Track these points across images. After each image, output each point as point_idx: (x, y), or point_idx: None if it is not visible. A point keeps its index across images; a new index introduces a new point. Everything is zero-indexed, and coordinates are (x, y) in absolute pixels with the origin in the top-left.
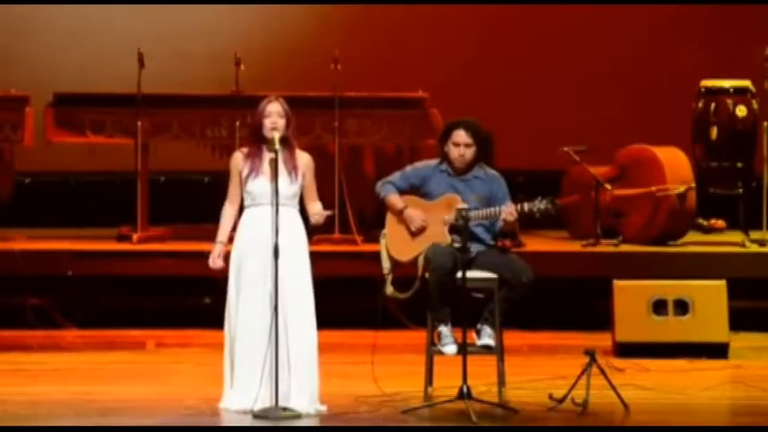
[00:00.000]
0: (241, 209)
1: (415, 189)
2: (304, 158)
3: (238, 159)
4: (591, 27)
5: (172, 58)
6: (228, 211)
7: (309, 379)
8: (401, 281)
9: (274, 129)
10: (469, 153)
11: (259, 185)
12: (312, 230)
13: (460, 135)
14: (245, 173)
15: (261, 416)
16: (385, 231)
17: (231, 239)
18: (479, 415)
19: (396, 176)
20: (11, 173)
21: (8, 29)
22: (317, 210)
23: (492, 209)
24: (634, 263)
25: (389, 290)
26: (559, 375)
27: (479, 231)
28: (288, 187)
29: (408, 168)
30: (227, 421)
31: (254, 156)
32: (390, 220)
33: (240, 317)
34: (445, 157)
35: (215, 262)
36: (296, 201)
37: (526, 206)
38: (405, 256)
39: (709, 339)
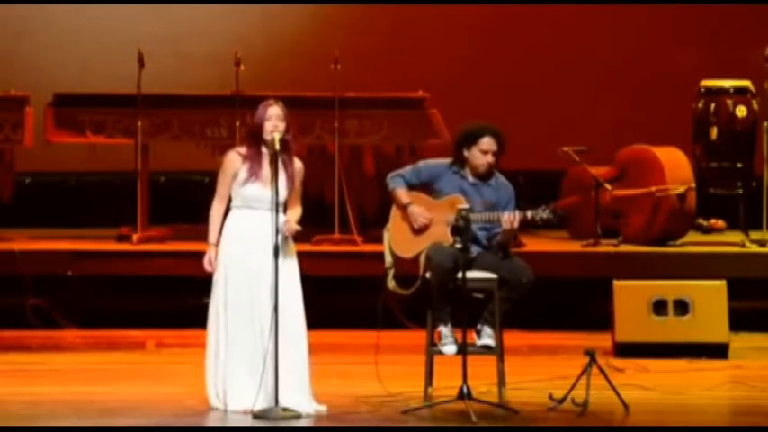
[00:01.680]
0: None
1: (425, 186)
2: (297, 165)
3: (235, 160)
4: (591, 27)
5: (172, 58)
6: (218, 210)
7: (298, 376)
8: (403, 279)
9: (275, 132)
10: (494, 159)
11: (256, 190)
12: (311, 228)
13: (489, 143)
14: (241, 176)
15: (261, 416)
16: (389, 226)
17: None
18: (479, 415)
19: (407, 170)
20: (11, 173)
21: (8, 29)
22: (291, 218)
23: (493, 213)
24: (634, 263)
25: (391, 284)
26: (559, 375)
27: (481, 235)
28: (282, 193)
29: (421, 164)
30: (227, 421)
31: (253, 159)
32: (395, 214)
33: (230, 319)
34: (461, 162)
35: (212, 265)
36: (284, 205)
37: (529, 214)
38: (407, 252)
39: (710, 339)
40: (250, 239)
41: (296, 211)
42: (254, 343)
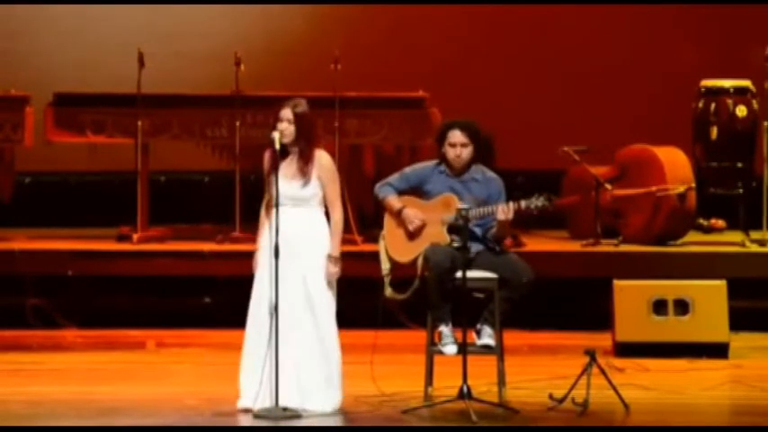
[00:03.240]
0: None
1: (415, 189)
2: (320, 160)
3: (264, 161)
4: (591, 27)
5: (172, 58)
6: (263, 213)
7: (318, 377)
8: (400, 281)
9: (275, 132)
10: (466, 153)
11: (274, 187)
12: None
13: (456, 135)
14: (266, 174)
15: (261, 416)
16: (384, 233)
17: None
18: (479, 415)
19: (394, 178)
20: (11, 173)
21: (8, 29)
22: (334, 231)
23: (487, 207)
24: (634, 263)
25: (388, 291)
26: (559, 375)
27: (478, 231)
28: (301, 189)
29: (407, 169)
30: (227, 421)
31: (272, 158)
32: (389, 221)
33: (251, 316)
34: (443, 159)
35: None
36: (315, 201)
37: (523, 203)
38: (404, 257)
39: (709, 339)
40: (273, 237)
41: (336, 221)
42: (262, 342)
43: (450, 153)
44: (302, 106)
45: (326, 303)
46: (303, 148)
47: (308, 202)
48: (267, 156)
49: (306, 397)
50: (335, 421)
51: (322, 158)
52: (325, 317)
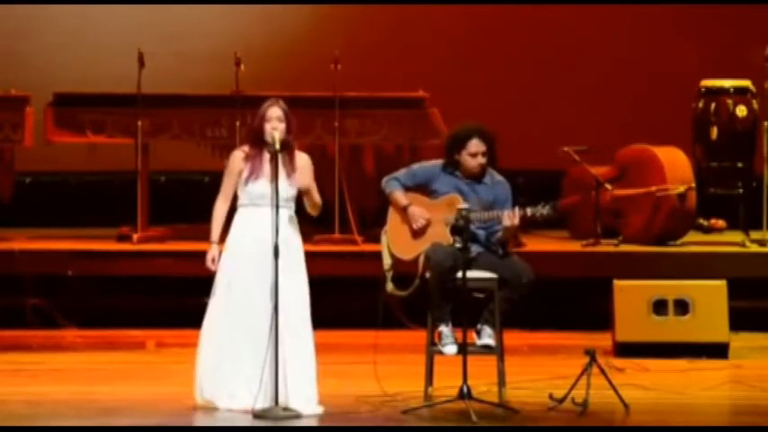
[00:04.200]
0: (233, 207)
1: (421, 187)
2: (302, 160)
3: (238, 158)
4: (591, 27)
5: (172, 58)
6: (221, 208)
7: (305, 380)
8: (402, 279)
9: (274, 131)
10: (485, 159)
11: (260, 187)
12: (311, 228)
13: (477, 145)
14: (245, 174)
15: (261, 416)
16: (387, 228)
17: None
18: (479, 415)
19: (402, 173)
20: (11, 173)
21: (8, 29)
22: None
23: (493, 212)
24: (634, 263)
25: (390, 287)
26: (559, 375)
27: (481, 234)
28: (287, 190)
29: (415, 166)
30: (227, 421)
31: (255, 157)
32: (393, 217)
33: (235, 316)
34: (453, 165)
35: (214, 264)
36: (293, 203)
37: (529, 211)
38: (406, 254)
39: (709, 339)
40: (255, 237)
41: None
42: (255, 342)
43: (472, 162)
44: (285, 104)
45: (303, 304)
46: (291, 145)
47: (289, 203)
48: (240, 155)
49: (290, 396)
50: (335, 421)
51: (303, 158)
52: (302, 317)
